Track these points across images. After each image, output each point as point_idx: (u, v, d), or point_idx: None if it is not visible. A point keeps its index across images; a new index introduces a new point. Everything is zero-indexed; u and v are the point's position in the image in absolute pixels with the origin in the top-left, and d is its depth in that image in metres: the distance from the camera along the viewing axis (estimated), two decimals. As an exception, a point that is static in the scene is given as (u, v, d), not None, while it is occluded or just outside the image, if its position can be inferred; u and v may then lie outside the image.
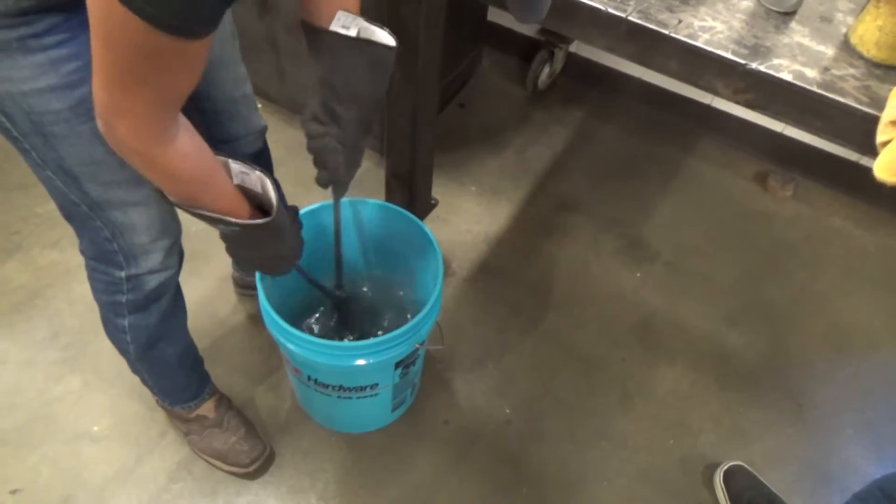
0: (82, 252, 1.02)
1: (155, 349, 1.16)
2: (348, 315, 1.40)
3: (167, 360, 1.20)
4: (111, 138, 0.70)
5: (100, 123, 0.69)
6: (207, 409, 1.34)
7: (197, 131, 1.08)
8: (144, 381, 1.27)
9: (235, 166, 0.88)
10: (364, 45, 0.88)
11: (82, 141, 0.81)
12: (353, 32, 0.86)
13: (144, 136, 0.70)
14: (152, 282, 1.04)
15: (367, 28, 0.88)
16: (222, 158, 0.86)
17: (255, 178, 0.89)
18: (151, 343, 1.15)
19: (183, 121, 0.74)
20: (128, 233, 0.95)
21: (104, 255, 0.99)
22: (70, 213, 0.93)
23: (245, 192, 0.89)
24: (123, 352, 1.17)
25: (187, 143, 0.75)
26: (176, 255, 1.06)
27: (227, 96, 1.12)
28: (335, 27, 0.86)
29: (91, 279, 1.06)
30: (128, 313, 1.08)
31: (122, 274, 1.01)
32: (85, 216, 0.92)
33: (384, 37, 0.89)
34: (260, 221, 0.87)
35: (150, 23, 0.56)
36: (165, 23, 0.57)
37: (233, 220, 0.85)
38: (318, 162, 1.00)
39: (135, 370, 1.24)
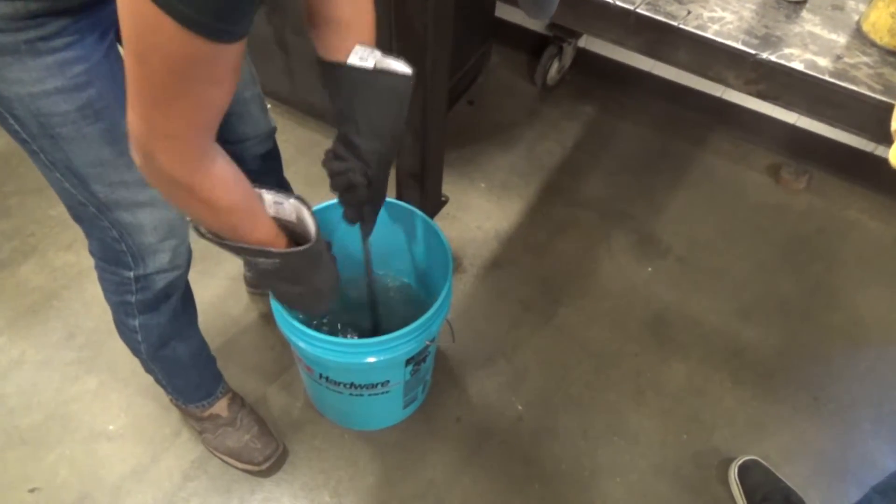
0: (91, 253, 1.03)
1: (167, 348, 1.17)
2: (360, 322, 1.37)
3: (179, 358, 1.21)
4: (149, 170, 0.68)
5: (136, 156, 0.67)
6: (221, 407, 1.35)
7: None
8: (158, 381, 1.28)
9: (269, 196, 0.85)
10: (381, 76, 0.87)
11: (89, 142, 0.82)
12: (370, 65, 0.86)
13: (185, 162, 0.68)
14: (161, 281, 1.04)
15: (382, 59, 0.88)
16: (255, 189, 0.83)
17: (290, 207, 0.86)
18: (163, 342, 1.15)
19: (218, 148, 0.72)
20: (136, 233, 0.95)
21: (113, 256, 0.99)
22: (78, 214, 0.94)
23: (279, 223, 0.86)
24: (136, 352, 1.18)
25: (227, 169, 0.73)
26: (184, 254, 1.06)
27: (237, 97, 1.12)
28: (352, 61, 0.86)
29: (101, 280, 1.07)
30: (138, 313, 1.08)
31: (131, 274, 1.01)
32: (93, 217, 0.92)
33: (400, 66, 0.88)
34: (300, 249, 0.84)
35: (185, 25, 0.54)
36: (201, 24, 0.55)
37: (274, 250, 0.82)
38: (343, 199, 0.98)
39: (148, 370, 1.25)
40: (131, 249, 0.97)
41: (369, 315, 1.29)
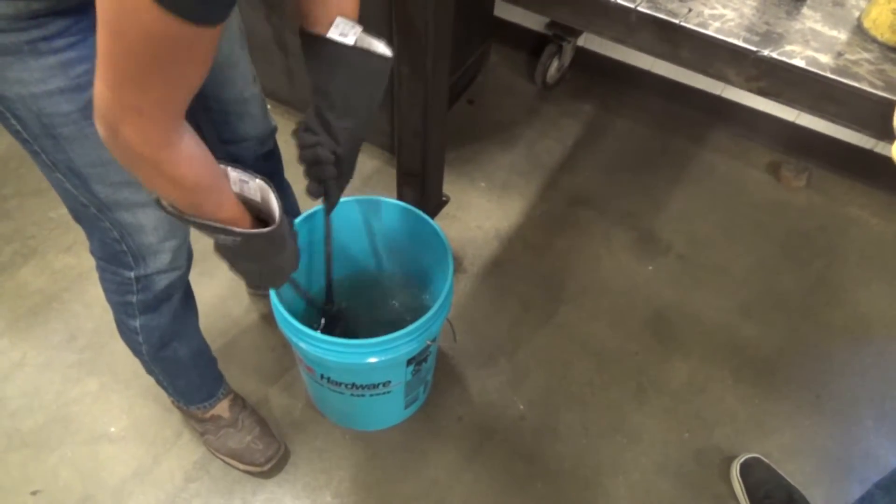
0: (92, 253, 1.03)
1: (168, 349, 1.17)
2: (346, 325, 1.37)
3: (180, 359, 1.21)
4: (114, 142, 0.66)
5: (101, 127, 0.66)
6: (222, 408, 1.35)
7: (204, 131, 1.07)
8: (159, 382, 1.27)
9: (234, 174, 0.85)
10: (361, 54, 0.87)
11: (91, 142, 0.81)
12: (350, 41, 0.85)
13: (152, 138, 0.66)
14: (162, 282, 1.04)
15: (364, 37, 0.87)
16: (221, 165, 0.83)
17: (255, 187, 0.86)
18: (164, 343, 1.15)
19: (187, 125, 0.72)
20: (136, 233, 0.95)
21: (113, 256, 0.99)
22: (79, 215, 0.94)
23: (243, 201, 0.86)
24: (137, 353, 1.18)
25: (193, 146, 0.73)
26: (185, 255, 1.06)
27: (237, 97, 1.12)
28: (333, 34, 0.85)
29: (102, 280, 1.06)
30: (139, 314, 1.08)
31: (132, 274, 1.01)
32: (94, 217, 0.92)
33: (381, 47, 0.88)
34: (264, 231, 0.84)
35: (165, 7, 0.54)
36: (183, 7, 0.55)
37: (237, 229, 0.82)
38: (309, 173, 0.98)
39: (149, 371, 1.24)
40: (132, 250, 0.97)
41: (325, 291, 1.28)
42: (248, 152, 1.23)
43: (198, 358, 1.26)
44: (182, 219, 0.79)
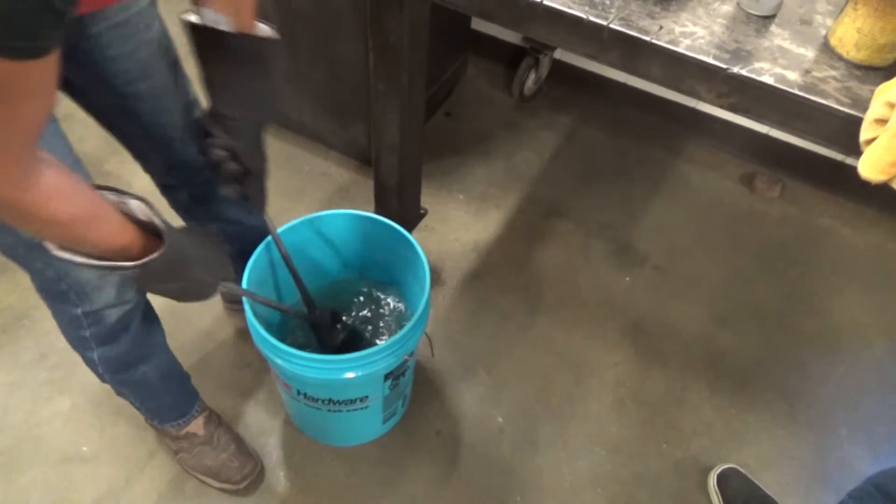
0: (38, 291, 0.99)
1: (133, 372, 1.14)
2: (327, 334, 1.31)
3: (148, 381, 1.18)
4: None
5: None
6: (197, 426, 1.33)
7: (150, 159, 1.03)
8: (132, 403, 1.25)
9: (112, 197, 0.78)
10: (241, 39, 0.85)
11: None
12: (222, 26, 0.84)
13: (7, 181, 0.61)
14: (112, 316, 1.00)
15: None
16: (98, 191, 0.76)
17: (136, 207, 0.80)
18: (127, 367, 1.12)
19: (47, 157, 0.66)
20: (72, 271, 0.91)
21: (56, 295, 0.96)
22: (12, 256, 0.90)
23: (136, 222, 0.80)
24: (102, 380, 1.16)
25: (58, 179, 0.66)
26: (132, 288, 1.02)
27: (178, 122, 1.08)
28: (206, 20, 0.83)
29: (53, 316, 1.03)
30: (96, 346, 1.05)
31: (79, 311, 0.98)
32: (25, 258, 0.89)
33: (262, 30, 0.87)
34: (155, 256, 0.78)
35: None
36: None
37: (126, 264, 0.76)
38: (218, 175, 0.97)
39: (119, 393, 1.22)
40: (73, 287, 0.94)
41: (304, 301, 1.24)
42: (198, 176, 1.19)
43: (167, 378, 1.23)
44: (71, 262, 0.75)
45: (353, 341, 1.30)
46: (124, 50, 0.93)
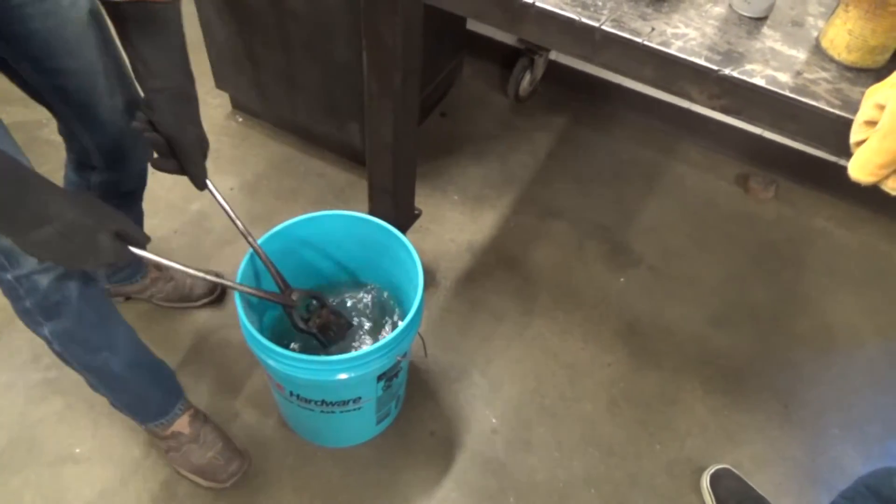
0: None
1: (95, 357, 1.13)
2: (305, 322, 1.22)
3: (115, 372, 1.16)
4: None
5: None
6: (182, 425, 1.33)
7: (82, 140, 1.05)
8: (107, 398, 1.25)
9: None
10: (134, 6, 0.86)
11: None
12: None
13: None
14: (44, 281, 0.99)
15: None
16: None
17: None
18: (85, 349, 1.11)
19: None
20: None
21: None
22: None
23: None
24: (63, 360, 1.14)
25: None
26: None
27: (109, 105, 1.09)
28: None
29: (3, 293, 1.03)
30: (43, 320, 1.04)
31: (10, 276, 0.97)
32: None
33: None
34: None
35: None
36: None
37: None
38: (155, 158, 0.98)
39: (91, 384, 1.21)
40: (3, 249, 0.94)
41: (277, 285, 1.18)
42: (127, 161, 1.20)
43: (137, 370, 1.21)
44: None
45: (335, 329, 1.24)
46: (47, 25, 0.95)
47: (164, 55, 0.92)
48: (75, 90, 1.05)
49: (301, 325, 1.16)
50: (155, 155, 0.99)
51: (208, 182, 1.03)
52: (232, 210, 1.10)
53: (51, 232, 0.78)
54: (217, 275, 1.16)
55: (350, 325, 1.30)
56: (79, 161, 1.22)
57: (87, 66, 1.04)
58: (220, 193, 1.08)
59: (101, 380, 1.20)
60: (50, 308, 1.03)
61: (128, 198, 1.34)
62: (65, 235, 0.79)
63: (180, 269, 1.00)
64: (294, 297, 1.16)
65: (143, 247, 0.90)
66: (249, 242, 1.14)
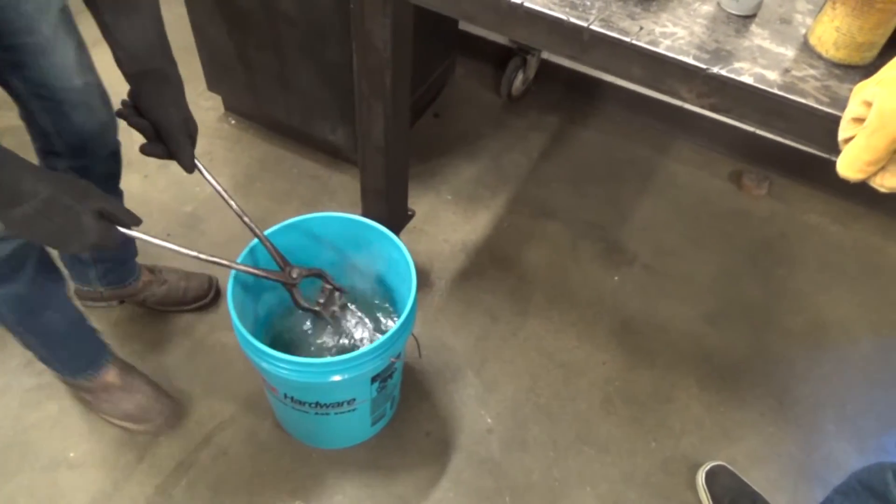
0: None
1: (41, 317, 1.16)
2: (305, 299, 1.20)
3: (57, 329, 1.21)
4: None
5: None
6: (112, 375, 1.36)
7: (40, 121, 1.06)
8: (42, 358, 1.28)
9: None
10: None
11: None
12: None
13: None
14: (5, 249, 1.01)
15: None
16: None
17: None
18: (34, 311, 1.14)
19: None
20: None
21: None
22: None
23: None
24: (4, 323, 1.16)
25: None
26: None
27: (66, 85, 1.08)
28: None
29: None
30: None
31: None
32: None
33: None
34: None
35: None
36: None
37: None
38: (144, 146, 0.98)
39: (26, 344, 1.24)
40: None
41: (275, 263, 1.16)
42: (91, 144, 1.18)
43: (76, 326, 1.26)
44: None
45: (339, 306, 1.26)
46: (4, 1, 0.95)
47: (140, 35, 0.91)
48: (34, 67, 1.03)
49: (303, 303, 1.15)
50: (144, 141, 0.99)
51: (198, 163, 1.01)
52: (224, 190, 1.08)
53: (28, 210, 0.77)
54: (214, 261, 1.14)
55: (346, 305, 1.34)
56: (43, 148, 1.21)
57: (45, 43, 1.02)
58: (210, 175, 1.06)
59: (43, 339, 1.22)
60: (6, 273, 1.05)
61: (103, 184, 1.30)
62: (42, 213, 0.78)
63: (172, 248, 0.99)
64: (294, 274, 1.14)
65: (128, 227, 0.90)
66: (245, 223, 1.12)
